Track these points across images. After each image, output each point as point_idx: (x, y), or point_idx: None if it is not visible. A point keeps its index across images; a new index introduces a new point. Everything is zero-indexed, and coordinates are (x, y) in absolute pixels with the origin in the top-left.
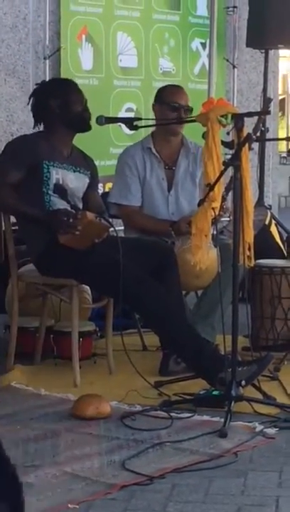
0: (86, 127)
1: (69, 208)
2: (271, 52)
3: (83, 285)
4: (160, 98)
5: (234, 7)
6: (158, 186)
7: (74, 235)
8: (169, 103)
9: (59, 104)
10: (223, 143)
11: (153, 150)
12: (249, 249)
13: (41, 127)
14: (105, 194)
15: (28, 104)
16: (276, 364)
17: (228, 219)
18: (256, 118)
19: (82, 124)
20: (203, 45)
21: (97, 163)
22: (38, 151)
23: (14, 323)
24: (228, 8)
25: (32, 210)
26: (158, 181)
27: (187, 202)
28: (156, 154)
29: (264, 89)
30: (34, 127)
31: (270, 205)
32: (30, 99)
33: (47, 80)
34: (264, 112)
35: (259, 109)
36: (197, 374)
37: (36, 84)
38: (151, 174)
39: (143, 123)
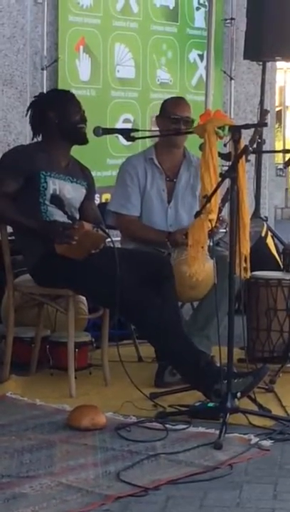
0: (83, 140)
1: (66, 219)
2: (269, 64)
3: (79, 295)
4: (162, 110)
5: (232, 19)
6: (158, 197)
7: (71, 245)
8: (169, 116)
9: (57, 116)
10: (220, 155)
11: (156, 161)
12: (246, 260)
13: (40, 138)
14: (102, 205)
15: (25, 115)
16: (272, 376)
17: (225, 231)
18: (253, 130)
19: (79, 137)
20: (201, 56)
21: (93, 173)
22: (35, 162)
23: (10, 333)
24: (226, 20)
25: (29, 221)
26: (159, 192)
27: (186, 214)
28: (157, 165)
29: (261, 101)
30: (33, 139)
31: (266, 217)
32: (28, 110)
33: (44, 90)
34: (261, 124)
35: (255, 121)
36: (193, 386)
37: (34, 96)
38: (151, 185)
39: (140, 134)
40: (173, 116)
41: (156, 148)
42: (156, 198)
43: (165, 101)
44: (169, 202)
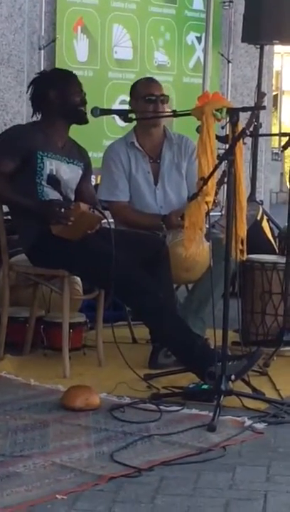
0: (83, 120)
1: (62, 199)
2: (266, 47)
3: (74, 276)
4: (134, 93)
5: (231, 2)
6: (145, 180)
7: (67, 226)
8: (144, 96)
9: (57, 95)
10: (217, 137)
11: (137, 144)
12: (242, 243)
13: (39, 116)
14: (98, 186)
15: (26, 92)
16: (266, 359)
17: (220, 213)
18: (249, 113)
19: (79, 117)
20: (199, 39)
21: (90, 154)
22: (32, 141)
23: (4, 313)
24: (224, 2)
25: (25, 200)
26: (144, 175)
27: (174, 194)
28: (139, 148)
29: (259, 85)
30: (32, 116)
31: (262, 201)
32: (28, 87)
33: (42, 70)
34: (259, 106)
35: (252, 104)
36: (187, 368)
37: (36, 73)
38: (136, 169)
39: (137, 115)
40: (148, 98)
41: (136, 131)
42: (143, 181)
43: (136, 83)
44: (156, 183)
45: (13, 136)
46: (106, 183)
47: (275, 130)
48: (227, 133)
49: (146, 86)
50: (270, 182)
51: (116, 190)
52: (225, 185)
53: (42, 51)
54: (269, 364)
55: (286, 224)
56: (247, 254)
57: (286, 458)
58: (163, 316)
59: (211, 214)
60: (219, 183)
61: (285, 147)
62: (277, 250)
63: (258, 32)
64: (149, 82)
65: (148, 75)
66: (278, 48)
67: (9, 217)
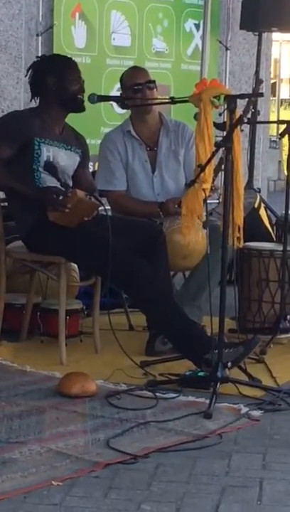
0: (79, 108)
1: (59, 186)
2: (265, 35)
3: (71, 263)
4: (123, 84)
5: None
6: (142, 168)
7: (64, 213)
8: (131, 87)
9: (55, 82)
10: (215, 124)
11: (133, 132)
12: (239, 230)
13: (37, 101)
14: (95, 173)
15: (25, 76)
16: (262, 347)
17: (217, 201)
18: (246, 100)
19: (76, 105)
20: (197, 26)
21: (87, 141)
22: (29, 128)
23: (1, 300)
24: None
25: (22, 187)
26: (141, 163)
27: (172, 181)
28: (136, 137)
29: (257, 72)
30: (30, 101)
31: (259, 189)
32: (28, 71)
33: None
34: (257, 93)
35: (250, 92)
36: (184, 355)
37: (36, 57)
38: (133, 157)
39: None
40: (135, 87)
41: (132, 119)
42: (140, 169)
43: (123, 75)
44: (153, 171)
45: (11, 123)
46: (103, 172)
47: (273, 118)
48: (225, 120)
49: (130, 76)
50: (268, 170)
51: (113, 179)
52: (223, 173)
53: (39, 37)
54: (266, 351)
55: (284, 212)
56: (245, 241)
57: (282, 445)
58: (160, 303)
59: (209, 202)
60: (217, 171)
61: (282, 135)
62: (274, 238)
63: (256, 19)
64: (134, 70)
65: (146, 62)
66: (276, 36)
67: (6, 203)
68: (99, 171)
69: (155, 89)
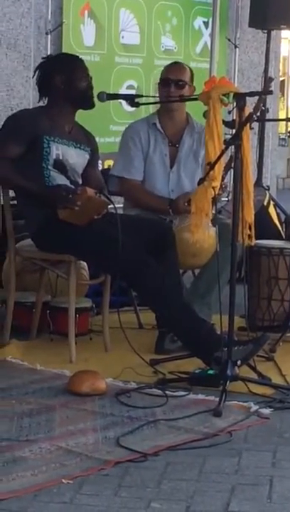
0: (89, 104)
1: (68, 184)
2: (273, 32)
3: (81, 261)
4: (160, 76)
5: None
6: (161, 162)
7: (74, 211)
8: (162, 79)
9: (63, 80)
10: (224, 122)
11: (158, 126)
12: (250, 228)
13: (46, 101)
14: (105, 171)
15: (32, 77)
16: (272, 345)
17: (227, 199)
18: (256, 98)
19: (86, 101)
20: (206, 24)
21: (96, 139)
22: (38, 126)
23: (11, 298)
24: None
25: (31, 185)
26: (161, 157)
27: (188, 180)
28: (160, 130)
29: (266, 70)
30: (39, 101)
31: (268, 186)
32: (35, 72)
33: (48, 54)
34: (267, 91)
35: (259, 90)
36: (193, 353)
37: (43, 57)
38: (154, 149)
39: (144, 100)
40: (165, 81)
41: (159, 113)
42: (159, 162)
43: (164, 67)
44: (171, 167)
45: (20, 121)
46: (122, 159)
47: (282, 116)
48: (234, 118)
49: (167, 69)
50: (277, 167)
51: (131, 167)
52: (232, 171)
53: (49, 36)
54: (275, 349)
55: None
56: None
57: None
58: (170, 301)
59: (218, 198)
60: (227, 168)
61: None
62: (284, 236)
63: (265, 17)
64: (171, 66)
65: (155, 60)
66: (285, 33)
67: (15, 202)
68: (118, 157)
69: (185, 89)
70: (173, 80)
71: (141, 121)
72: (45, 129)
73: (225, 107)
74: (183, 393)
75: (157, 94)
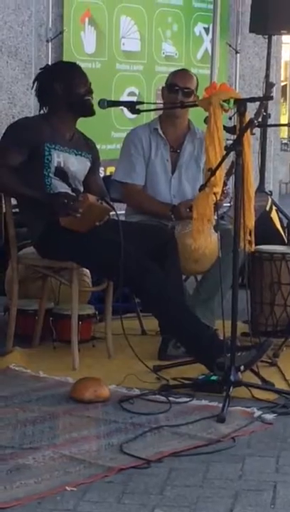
0: (89, 112)
1: (70, 191)
2: (274, 38)
3: (83, 268)
4: (166, 81)
5: None
6: (162, 167)
7: (76, 218)
8: (169, 85)
9: (63, 88)
10: (225, 128)
11: (160, 131)
12: (250, 234)
13: (46, 110)
14: (106, 178)
15: (31, 88)
16: (275, 350)
17: (229, 204)
18: (257, 104)
19: (85, 108)
20: (206, 30)
21: (98, 146)
22: (40, 134)
23: (14, 306)
24: None
25: (33, 193)
26: (163, 162)
27: (189, 185)
28: (162, 136)
29: (267, 75)
30: (40, 111)
31: (271, 191)
32: (34, 83)
33: (49, 62)
34: (267, 97)
35: (261, 95)
36: (196, 359)
37: (40, 68)
38: (155, 154)
39: (145, 107)
40: (172, 87)
41: (161, 119)
42: (160, 168)
43: (171, 72)
44: (173, 172)
45: (21, 129)
46: (124, 164)
47: (284, 121)
48: (235, 123)
49: (174, 76)
50: (279, 173)
51: (133, 173)
52: (233, 176)
53: (49, 43)
54: (279, 355)
55: None
56: (256, 245)
57: None
58: (172, 307)
59: (220, 205)
60: (228, 174)
61: None
62: (286, 241)
63: (266, 22)
64: (179, 72)
65: (156, 67)
66: (286, 38)
67: (17, 210)
68: (119, 162)
69: (191, 97)
70: (181, 88)
71: (143, 126)
72: (47, 136)
73: (226, 112)
74: (186, 399)
75: (158, 101)
